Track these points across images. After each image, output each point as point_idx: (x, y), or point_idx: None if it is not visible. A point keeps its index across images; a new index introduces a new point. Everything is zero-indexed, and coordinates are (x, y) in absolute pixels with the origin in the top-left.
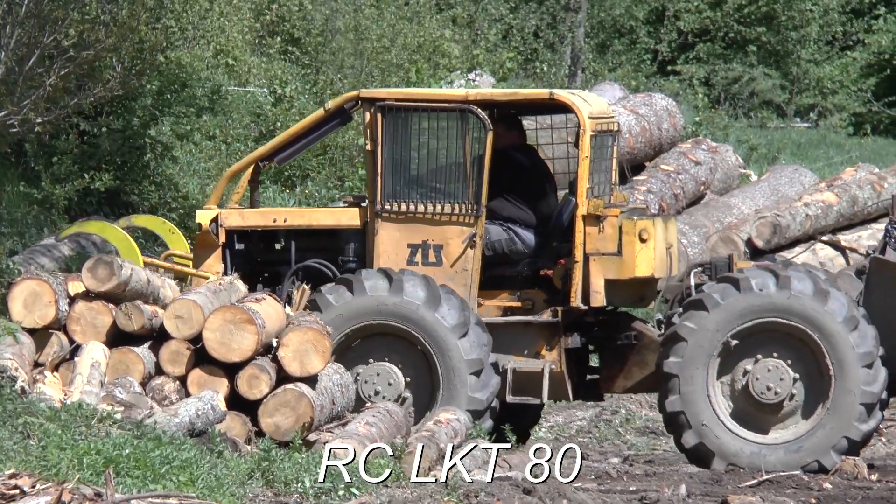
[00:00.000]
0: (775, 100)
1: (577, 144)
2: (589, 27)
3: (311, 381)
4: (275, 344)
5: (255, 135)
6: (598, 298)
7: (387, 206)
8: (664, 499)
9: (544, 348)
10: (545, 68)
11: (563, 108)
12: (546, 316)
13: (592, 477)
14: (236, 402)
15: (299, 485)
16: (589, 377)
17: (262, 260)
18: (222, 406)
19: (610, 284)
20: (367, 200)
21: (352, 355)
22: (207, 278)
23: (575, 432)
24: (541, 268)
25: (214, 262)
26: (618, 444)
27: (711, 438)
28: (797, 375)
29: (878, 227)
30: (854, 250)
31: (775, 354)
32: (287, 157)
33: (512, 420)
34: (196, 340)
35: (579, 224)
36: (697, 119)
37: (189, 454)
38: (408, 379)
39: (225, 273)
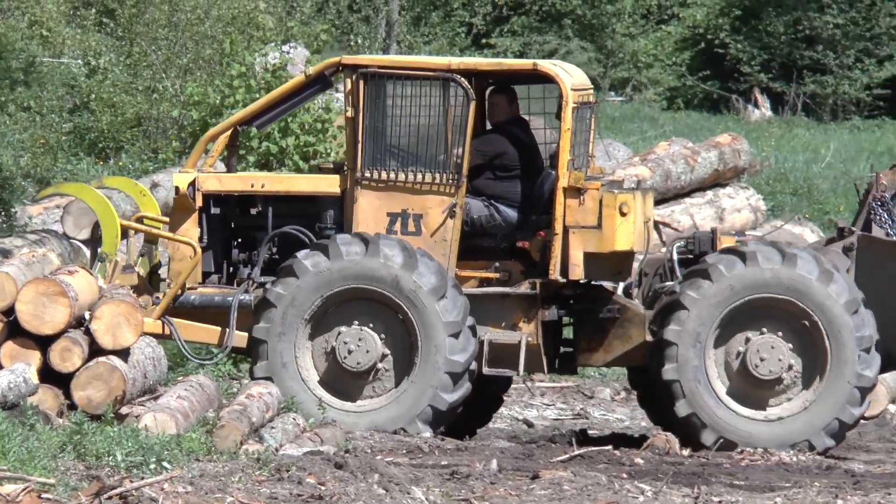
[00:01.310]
0: (590, 73)
1: (558, 116)
2: (404, 0)
3: (124, 354)
4: (87, 316)
5: (70, 106)
6: (577, 271)
7: (367, 174)
8: (475, 473)
9: (521, 320)
10: (360, 41)
11: (546, 79)
12: (524, 288)
13: (404, 451)
14: (49, 374)
15: (111, 458)
16: (563, 350)
17: (237, 225)
18: (34, 379)
19: (589, 257)
20: (346, 167)
21: (329, 319)
22: (186, 243)
23: None
24: (519, 240)
25: (191, 227)
26: None
27: (705, 410)
28: (793, 353)
29: (692, 202)
30: (667, 224)
31: (765, 330)
32: (266, 121)
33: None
34: (9, 313)
35: (559, 196)
36: None
37: (0, 427)
38: (385, 343)
39: (201, 238)
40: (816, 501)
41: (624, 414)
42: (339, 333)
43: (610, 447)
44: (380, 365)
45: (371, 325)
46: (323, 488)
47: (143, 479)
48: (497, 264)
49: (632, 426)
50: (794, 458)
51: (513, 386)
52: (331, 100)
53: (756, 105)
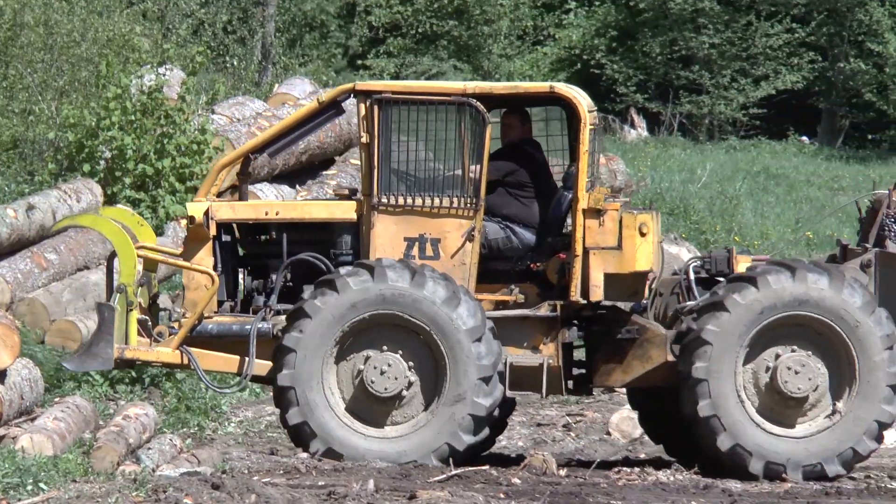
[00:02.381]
0: None
1: (574, 138)
2: (280, 22)
3: (1, 376)
4: None
5: None
6: (598, 293)
7: (383, 200)
8: (352, 494)
9: (542, 342)
10: (236, 63)
11: (563, 102)
12: (544, 310)
13: (281, 472)
14: None
15: None
16: (576, 371)
17: (251, 253)
18: None
19: (609, 278)
20: (361, 193)
21: (358, 342)
22: (204, 272)
23: (265, 427)
24: (535, 262)
25: (205, 256)
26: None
27: (747, 438)
28: (822, 368)
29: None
30: None
31: (795, 348)
32: (279, 149)
33: None
34: None
35: (579, 218)
36: None
37: None
38: (412, 371)
39: (215, 266)
40: None
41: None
42: (368, 357)
43: (487, 467)
44: (405, 393)
45: (399, 352)
46: None
47: (19, 500)
48: (513, 287)
49: (509, 446)
50: (672, 478)
51: None
52: (206, 121)
53: (632, 125)
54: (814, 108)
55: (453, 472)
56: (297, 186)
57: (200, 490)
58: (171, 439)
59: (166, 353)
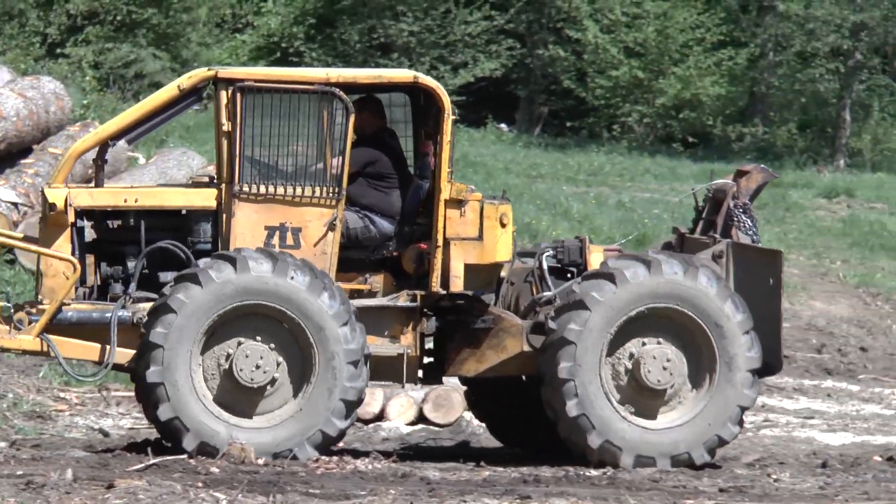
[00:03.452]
0: (164, 81)
1: (436, 129)
2: None
3: None
4: None
5: None
6: (458, 283)
7: (244, 188)
8: (51, 483)
9: (401, 332)
10: None
11: (425, 92)
12: (404, 300)
13: None
14: None
15: None
16: (426, 360)
17: (109, 240)
18: None
19: (469, 269)
20: (221, 181)
21: (224, 332)
22: (66, 260)
23: None
24: (392, 251)
25: (64, 242)
26: (5, 429)
27: (596, 412)
28: (680, 364)
29: None
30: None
31: (659, 339)
32: (137, 136)
33: None
34: None
35: (440, 208)
36: (86, 102)
37: None
38: (280, 361)
39: (73, 253)
40: None
41: None
42: (235, 347)
43: (185, 456)
44: (275, 380)
45: (266, 342)
46: None
47: None
48: (367, 276)
49: None
50: (370, 466)
51: (87, 395)
52: None
53: None
54: (512, 95)
55: (151, 461)
56: None
57: None
58: None
59: (27, 340)
